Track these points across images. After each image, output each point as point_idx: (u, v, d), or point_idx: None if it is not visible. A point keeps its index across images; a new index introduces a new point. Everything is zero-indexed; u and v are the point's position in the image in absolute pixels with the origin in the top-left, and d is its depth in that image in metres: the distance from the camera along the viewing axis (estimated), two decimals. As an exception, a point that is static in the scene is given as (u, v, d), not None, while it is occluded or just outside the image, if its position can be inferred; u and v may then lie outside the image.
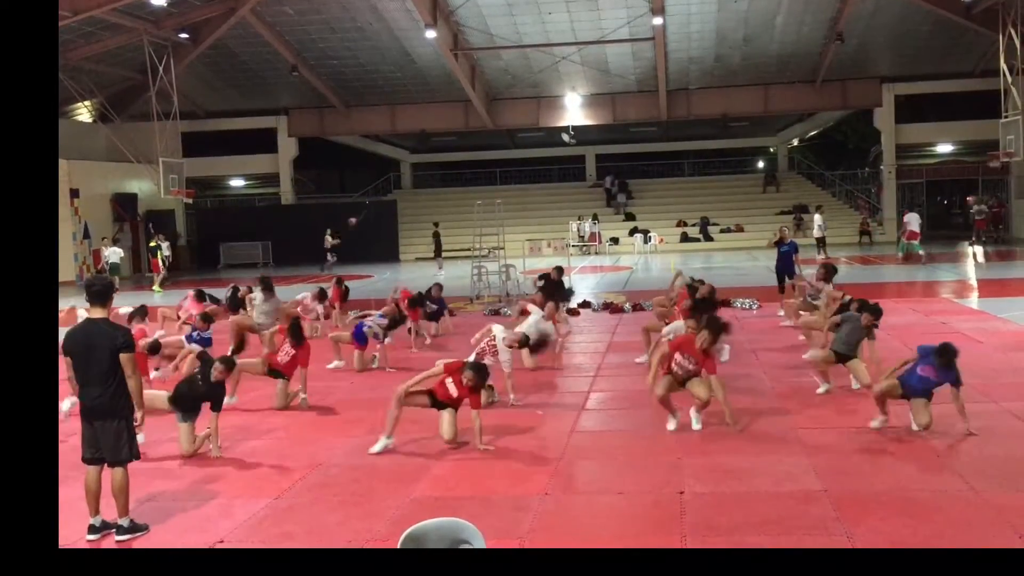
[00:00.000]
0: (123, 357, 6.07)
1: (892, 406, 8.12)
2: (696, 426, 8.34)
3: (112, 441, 6.12)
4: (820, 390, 9.60)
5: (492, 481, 7.17)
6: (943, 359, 7.80)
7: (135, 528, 6.20)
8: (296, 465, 7.70)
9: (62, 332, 5.81)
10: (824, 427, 8.34)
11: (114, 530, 6.18)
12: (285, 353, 9.94)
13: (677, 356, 8.40)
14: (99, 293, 6.30)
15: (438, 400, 8.18)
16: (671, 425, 8.37)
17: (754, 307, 16.27)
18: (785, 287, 15.93)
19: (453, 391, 8.10)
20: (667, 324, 10.91)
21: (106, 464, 6.19)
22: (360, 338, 12.01)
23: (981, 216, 31.44)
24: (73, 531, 6.07)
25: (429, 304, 14.47)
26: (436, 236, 31.03)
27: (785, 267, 15.80)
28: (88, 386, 6.09)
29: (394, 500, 6.72)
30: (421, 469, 7.48)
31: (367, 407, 9.80)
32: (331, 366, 12.00)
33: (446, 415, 8.10)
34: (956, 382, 7.86)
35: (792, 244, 15.86)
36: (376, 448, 7.94)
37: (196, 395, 8.21)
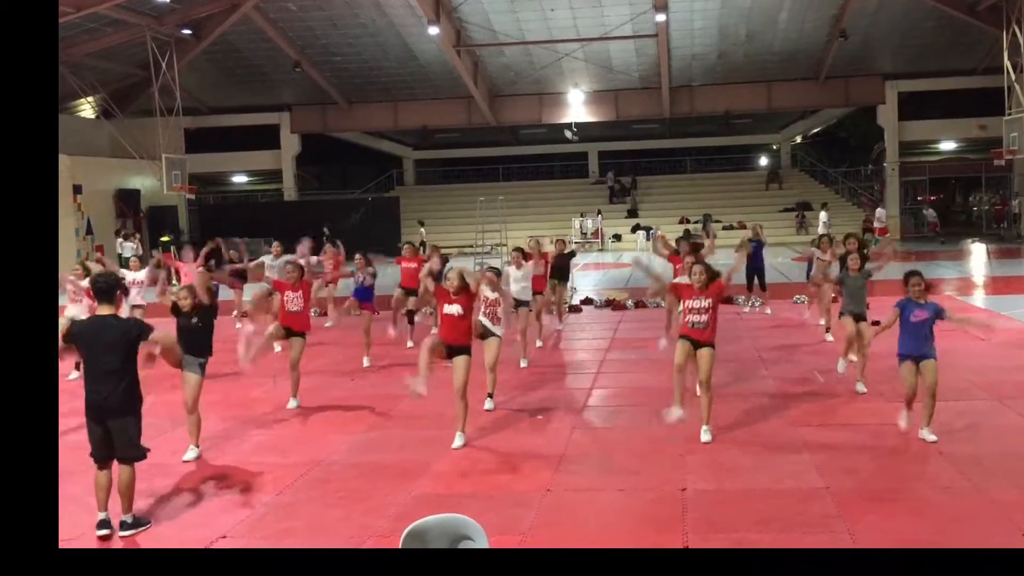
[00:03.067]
0: (154, 340, 6.17)
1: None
2: (705, 438, 7.87)
3: (126, 438, 6.08)
4: (840, 368, 9.83)
5: (494, 477, 7.18)
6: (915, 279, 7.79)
7: (138, 523, 6.20)
8: (298, 461, 7.71)
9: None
10: (826, 424, 8.33)
11: (118, 526, 6.16)
12: (293, 303, 9.70)
13: (690, 303, 7.98)
14: (104, 290, 6.23)
15: (452, 345, 8.04)
16: (674, 415, 7.95)
17: (756, 305, 16.23)
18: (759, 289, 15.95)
19: (456, 309, 8.06)
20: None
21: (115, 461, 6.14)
22: (363, 296, 12.00)
23: (934, 219, 31.32)
24: (72, 528, 5.99)
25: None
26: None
27: (756, 264, 15.82)
28: (98, 383, 6.00)
29: (396, 496, 6.72)
30: (423, 466, 7.48)
31: (368, 403, 9.81)
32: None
33: (460, 365, 7.98)
34: (941, 312, 7.72)
35: (758, 241, 15.89)
36: (418, 387, 7.84)
37: (192, 327, 7.75)
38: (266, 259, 14.43)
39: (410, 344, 12.97)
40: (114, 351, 5.98)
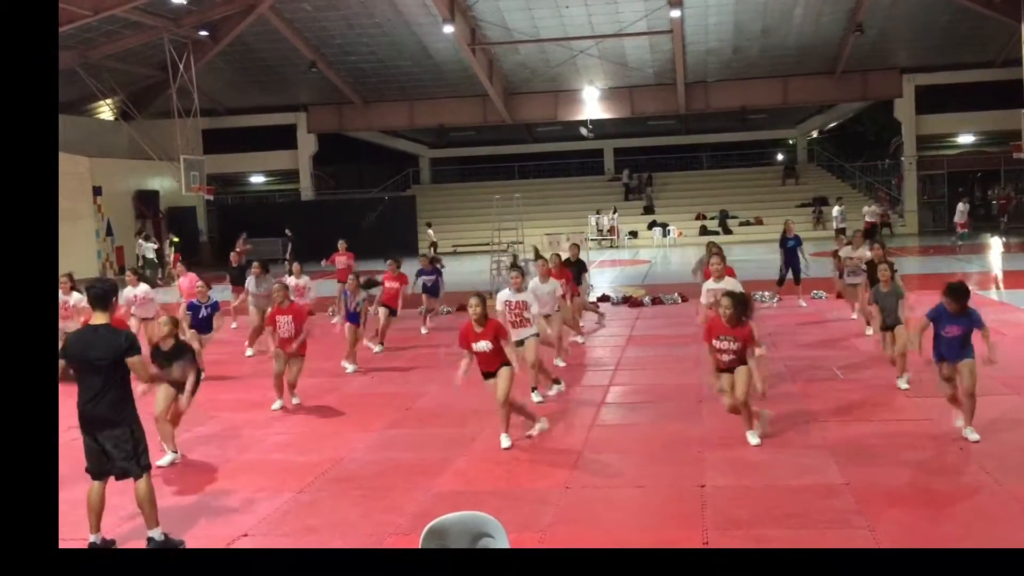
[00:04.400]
0: (130, 362, 5.67)
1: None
2: (754, 441, 7.61)
3: (126, 451, 5.73)
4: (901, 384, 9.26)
5: (513, 475, 7.20)
6: (956, 298, 7.30)
7: (168, 543, 5.83)
8: (318, 460, 7.76)
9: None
10: (845, 420, 8.31)
11: (146, 541, 5.84)
12: (285, 328, 9.56)
13: (716, 343, 7.62)
14: (99, 296, 5.80)
15: (488, 372, 7.96)
16: (753, 439, 7.63)
17: (773, 300, 16.21)
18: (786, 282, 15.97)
19: (485, 345, 7.82)
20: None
21: (131, 477, 5.82)
22: (352, 318, 11.76)
23: (873, 218, 30.76)
24: (73, 530, 5.86)
25: (426, 276, 14.76)
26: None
27: (792, 261, 15.79)
28: (89, 396, 5.67)
29: (416, 494, 6.76)
30: (442, 463, 7.51)
31: (387, 401, 9.86)
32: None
33: (502, 375, 7.87)
34: (979, 323, 7.36)
35: (796, 238, 15.87)
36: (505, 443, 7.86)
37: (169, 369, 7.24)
38: (249, 283, 13.82)
39: (424, 331, 14.06)
40: (102, 363, 5.62)
